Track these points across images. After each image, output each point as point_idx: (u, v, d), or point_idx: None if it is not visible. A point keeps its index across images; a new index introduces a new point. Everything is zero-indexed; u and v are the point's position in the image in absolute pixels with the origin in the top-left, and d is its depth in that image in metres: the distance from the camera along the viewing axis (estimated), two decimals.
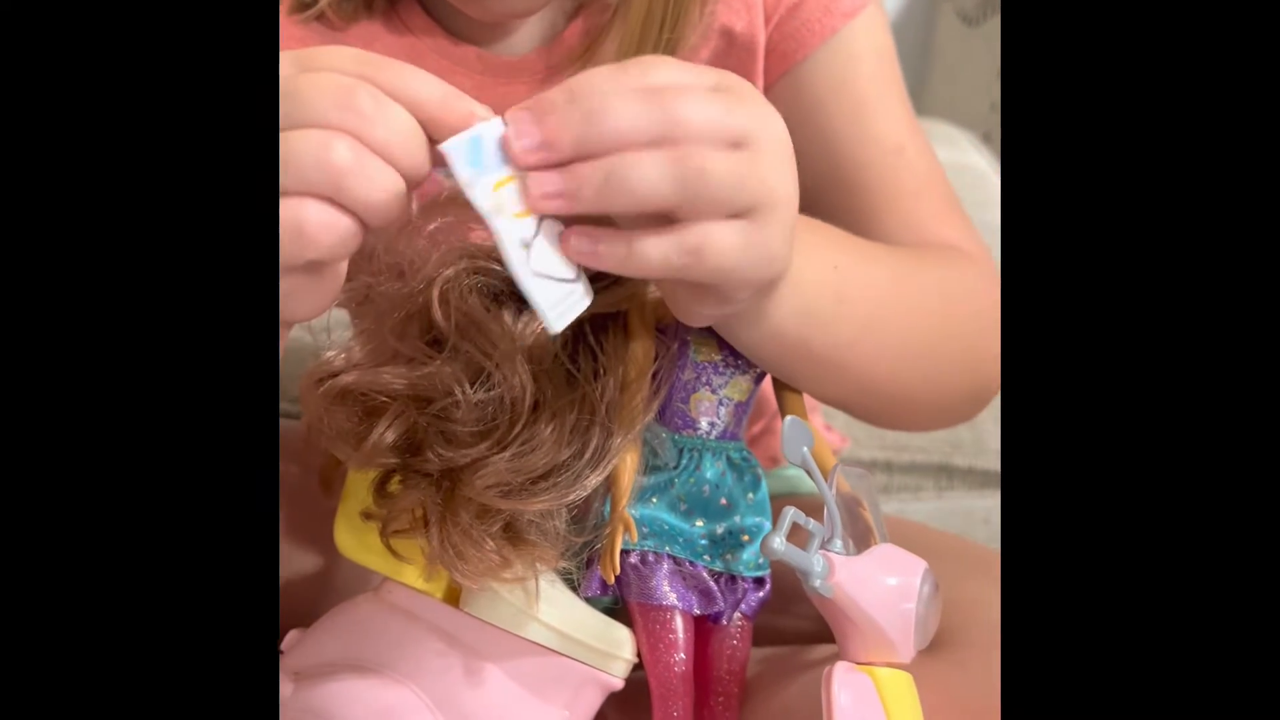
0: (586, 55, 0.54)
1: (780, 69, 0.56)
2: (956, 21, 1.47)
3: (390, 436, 0.44)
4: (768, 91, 0.57)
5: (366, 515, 0.47)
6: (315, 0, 0.55)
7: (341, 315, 0.51)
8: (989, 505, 0.88)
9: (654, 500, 0.48)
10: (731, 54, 0.56)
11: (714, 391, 0.48)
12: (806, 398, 0.50)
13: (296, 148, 0.35)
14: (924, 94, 1.57)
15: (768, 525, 0.48)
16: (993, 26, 1.41)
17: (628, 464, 0.47)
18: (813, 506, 0.62)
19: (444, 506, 0.44)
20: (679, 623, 0.47)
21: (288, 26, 0.57)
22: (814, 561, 0.41)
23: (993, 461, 0.89)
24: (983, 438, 0.89)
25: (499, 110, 0.54)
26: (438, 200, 0.48)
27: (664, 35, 0.52)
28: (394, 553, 0.47)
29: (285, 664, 0.50)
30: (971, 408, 0.55)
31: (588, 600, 0.47)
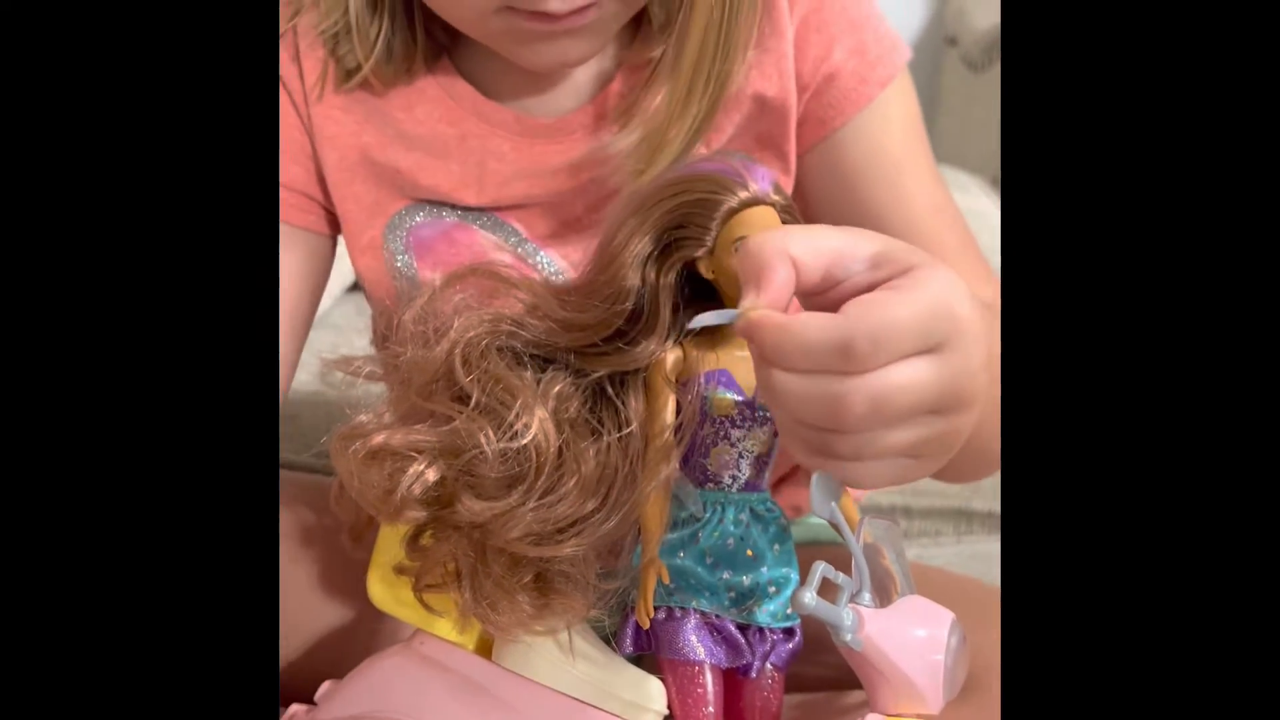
0: (629, 114, 0.55)
1: (817, 136, 0.58)
2: (962, 68, 1.49)
3: (418, 489, 0.45)
4: (804, 157, 0.59)
5: (399, 569, 0.47)
6: (358, 69, 0.57)
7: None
8: None
9: (681, 555, 0.49)
10: (763, 118, 0.58)
11: (733, 445, 0.49)
12: None
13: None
14: (932, 140, 1.58)
15: (794, 576, 0.49)
16: (998, 72, 1.42)
17: (655, 512, 0.48)
18: (835, 554, 0.63)
19: (476, 558, 0.45)
20: (708, 676, 0.48)
21: (331, 108, 0.58)
22: (844, 616, 0.41)
23: None
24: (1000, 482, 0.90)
25: (533, 168, 0.56)
26: (459, 272, 0.50)
27: (709, 95, 0.53)
28: (426, 605, 0.48)
29: (318, 716, 0.50)
30: None
31: (625, 658, 0.48)
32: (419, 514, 0.46)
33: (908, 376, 0.37)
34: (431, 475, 0.45)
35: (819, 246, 0.39)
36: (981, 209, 1.17)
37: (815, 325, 0.37)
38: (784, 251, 0.38)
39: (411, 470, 0.45)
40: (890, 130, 0.58)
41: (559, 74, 0.58)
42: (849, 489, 0.48)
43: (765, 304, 0.38)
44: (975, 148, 1.44)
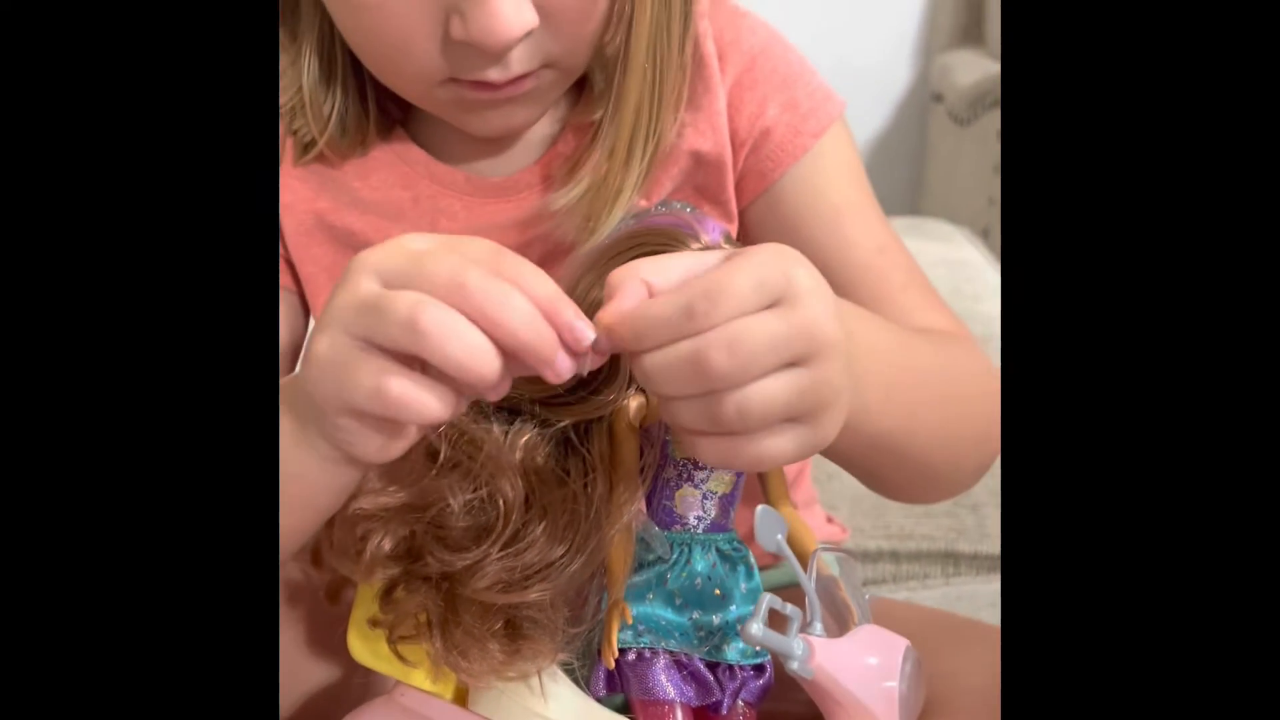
0: (573, 172, 0.57)
1: (757, 189, 0.61)
2: (948, 122, 1.51)
3: (388, 545, 0.46)
4: (746, 210, 0.61)
5: (373, 623, 0.49)
6: (314, 143, 0.59)
7: None
8: (996, 590, 0.88)
9: (650, 597, 0.50)
10: (700, 172, 0.60)
11: (696, 486, 0.50)
12: (802, 489, 0.52)
13: (391, 305, 0.40)
14: (921, 193, 1.61)
15: None
16: (982, 126, 1.45)
17: (620, 555, 0.49)
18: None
19: (446, 609, 0.46)
20: (679, 715, 0.49)
21: (289, 178, 0.61)
22: (794, 645, 0.42)
23: (997, 546, 0.89)
24: (985, 523, 0.90)
25: (483, 225, 0.57)
26: None
27: (647, 153, 0.56)
28: (401, 657, 0.49)
29: None
30: (976, 479, 0.58)
31: (598, 700, 0.49)
32: (390, 570, 0.47)
33: (755, 324, 0.39)
34: (399, 533, 0.47)
35: (668, 266, 0.42)
36: (968, 258, 1.19)
37: (658, 300, 0.40)
38: (634, 275, 0.41)
39: (379, 531, 0.47)
40: (827, 178, 0.60)
41: (507, 138, 0.60)
42: (805, 525, 0.50)
43: (607, 314, 0.41)
44: (962, 200, 1.46)
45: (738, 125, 0.60)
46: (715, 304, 0.39)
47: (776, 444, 0.41)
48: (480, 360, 0.40)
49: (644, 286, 0.41)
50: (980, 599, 0.88)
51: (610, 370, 0.49)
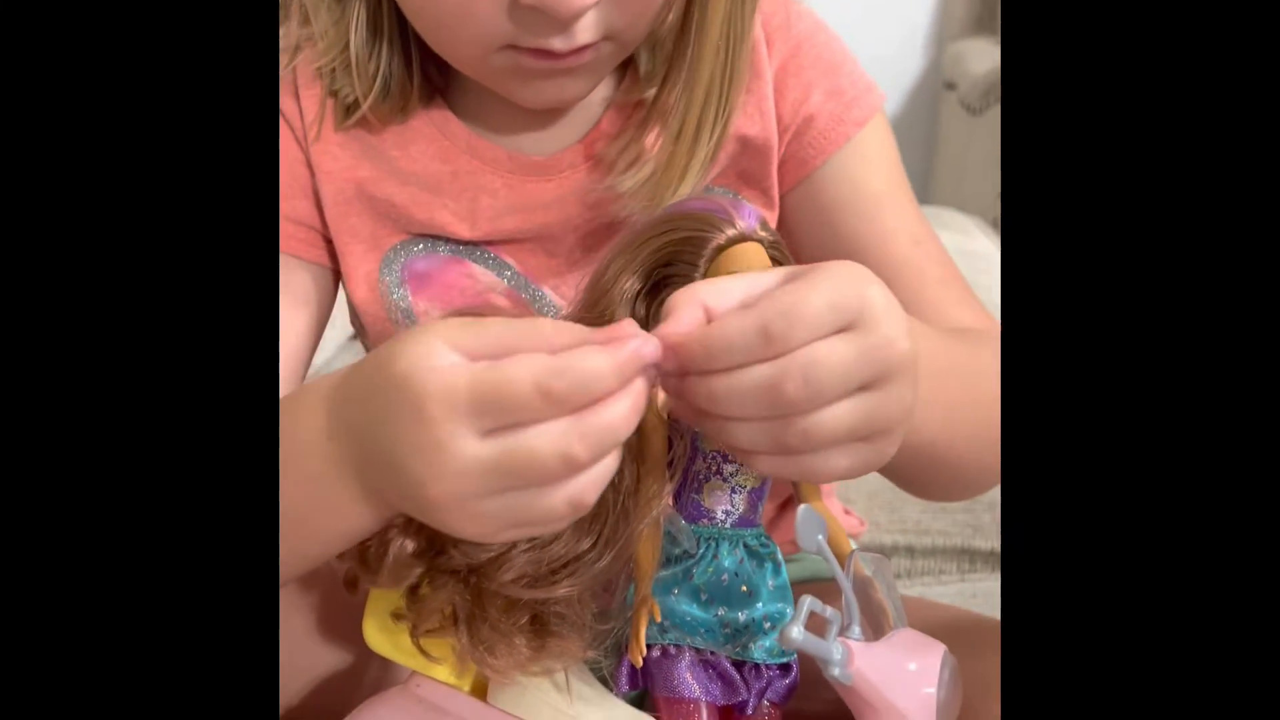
0: (630, 152, 0.57)
1: (798, 176, 0.60)
2: (960, 112, 1.50)
3: (410, 546, 0.45)
4: (786, 196, 0.61)
5: (397, 617, 0.48)
6: (357, 106, 0.58)
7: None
8: None
9: (675, 592, 0.49)
10: (746, 157, 0.59)
11: (725, 480, 0.49)
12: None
13: (530, 455, 0.37)
14: (932, 183, 1.60)
15: (790, 611, 0.49)
16: (995, 115, 1.44)
17: (648, 550, 0.48)
18: (835, 590, 0.63)
19: (473, 603, 0.45)
20: (703, 714, 0.48)
21: (330, 144, 0.60)
22: (833, 650, 0.41)
23: None
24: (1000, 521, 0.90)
25: (524, 204, 0.56)
26: (451, 314, 0.51)
27: (715, 134, 0.55)
28: (424, 652, 0.48)
29: None
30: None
31: (621, 696, 0.48)
32: (415, 569, 0.46)
33: (829, 350, 0.39)
34: (422, 533, 0.45)
35: (727, 288, 0.41)
36: (980, 249, 1.18)
37: (730, 320, 0.39)
38: (694, 298, 0.41)
39: (400, 534, 0.45)
40: (869, 168, 0.60)
41: (550, 114, 0.59)
42: (840, 525, 0.49)
43: (671, 334, 0.40)
44: (974, 189, 1.45)
45: (782, 110, 0.59)
46: (791, 327, 0.38)
47: (837, 462, 0.41)
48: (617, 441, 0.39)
49: (702, 309, 0.40)
50: (996, 596, 0.87)
51: None
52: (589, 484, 0.38)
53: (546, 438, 0.37)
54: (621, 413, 0.38)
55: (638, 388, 0.38)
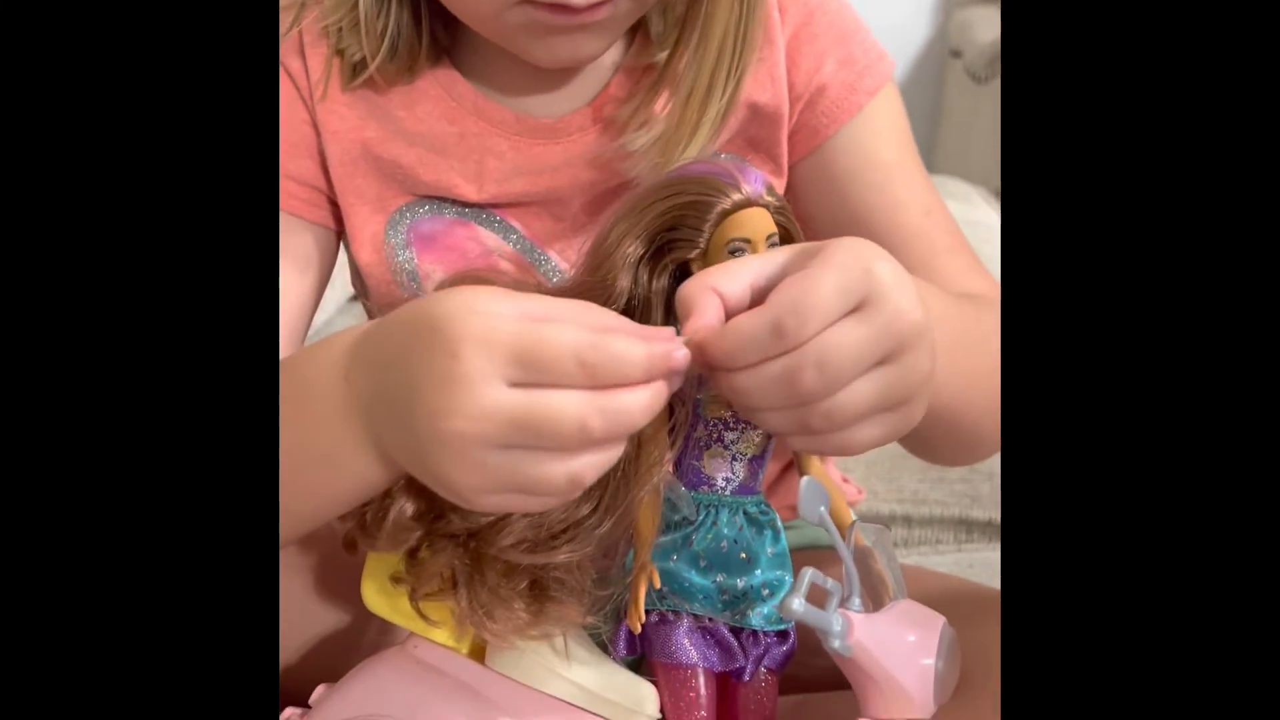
0: (640, 114, 0.56)
1: (809, 145, 0.60)
2: (966, 80, 1.49)
3: (410, 509, 0.45)
4: (796, 166, 0.61)
5: (396, 580, 0.48)
6: (364, 65, 0.57)
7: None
8: None
9: (674, 558, 0.49)
10: (755, 124, 0.59)
11: (726, 447, 0.49)
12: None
13: (551, 413, 0.38)
14: (936, 151, 1.59)
15: (788, 579, 0.49)
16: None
17: (648, 516, 0.48)
18: (833, 558, 0.63)
19: (472, 567, 0.45)
20: (700, 680, 0.48)
21: (336, 104, 0.59)
22: (833, 621, 0.41)
23: None
24: (1000, 491, 0.90)
25: (530, 166, 0.55)
26: (453, 277, 0.50)
27: (726, 97, 0.55)
28: (423, 615, 0.48)
29: (312, 719, 0.50)
30: None
31: (618, 661, 0.48)
32: (414, 532, 0.46)
33: (841, 335, 0.40)
34: (421, 496, 0.45)
35: (737, 272, 0.43)
36: (983, 219, 1.17)
37: (745, 320, 0.41)
38: (706, 286, 0.42)
39: (400, 497, 0.45)
40: (879, 137, 0.60)
41: (558, 76, 0.59)
42: (842, 496, 0.48)
43: (698, 331, 0.41)
44: (978, 158, 1.44)
45: (795, 79, 0.59)
46: (803, 320, 0.39)
47: (867, 434, 0.42)
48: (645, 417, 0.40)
49: (716, 296, 0.41)
50: (993, 566, 0.88)
51: (640, 323, 0.48)
52: (591, 464, 0.39)
53: (570, 402, 0.38)
54: (641, 402, 0.38)
55: (660, 387, 0.39)
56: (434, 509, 0.46)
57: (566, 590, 0.46)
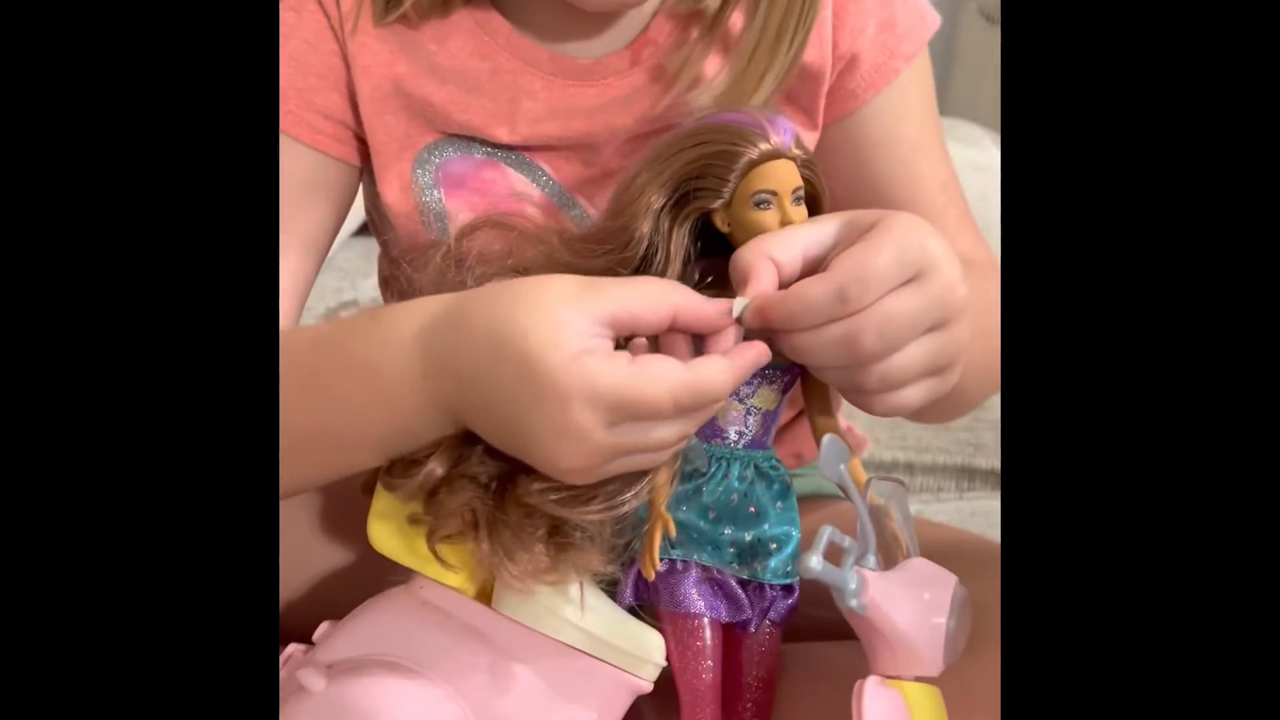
0: (686, 72, 0.55)
1: (843, 110, 0.59)
2: (979, 20, 1.46)
3: (440, 470, 0.46)
4: (829, 128, 0.60)
5: (413, 521, 0.47)
6: (399, 3, 0.56)
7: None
8: None
9: (684, 509, 0.48)
10: (798, 81, 0.57)
11: (741, 401, 0.49)
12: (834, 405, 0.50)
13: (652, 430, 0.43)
14: (946, 93, 1.56)
15: (796, 534, 0.49)
16: None
17: (665, 467, 0.47)
18: (838, 508, 0.63)
19: (494, 508, 0.45)
20: (707, 630, 0.48)
21: (368, 37, 0.57)
22: (849, 579, 0.41)
23: None
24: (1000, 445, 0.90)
25: (565, 108, 0.56)
26: (473, 223, 0.49)
27: (793, 51, 0.55)
28: (440, 558, 0.48)
29: (317, 656, 0.50)
30: None
31: (622, 606, 0.48)
32: (439, 475, 0.47)
33: (900, 302, 0.43)
34: (452, 455, 0.47)
35: (790, 241, 0.45)
36: (992, 164, 1.16)
37: (811, 284, 0.43)
38: (763, 253, 0.45)
39: (430, 459, 0.47)
40: (909, 110, 0.60)
41: (598, 20, 0.57)
42: (855, 449, 0.48)
43: (758, 297, 0.44)
44: (988, 100, 1.42)
45: (839, 38, 0.57)
46: (866, 288, 0.42)
47: (912, 395, 0.45)
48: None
49: (772, 264, 0.44)
50: (995, 515, 0.88)
51: (660, 272, 0.47)
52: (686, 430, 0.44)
53: (668, 431, 0.43)
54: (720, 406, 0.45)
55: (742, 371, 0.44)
56: (458, 454, 0.46)
57: (586, 536, 0.46)
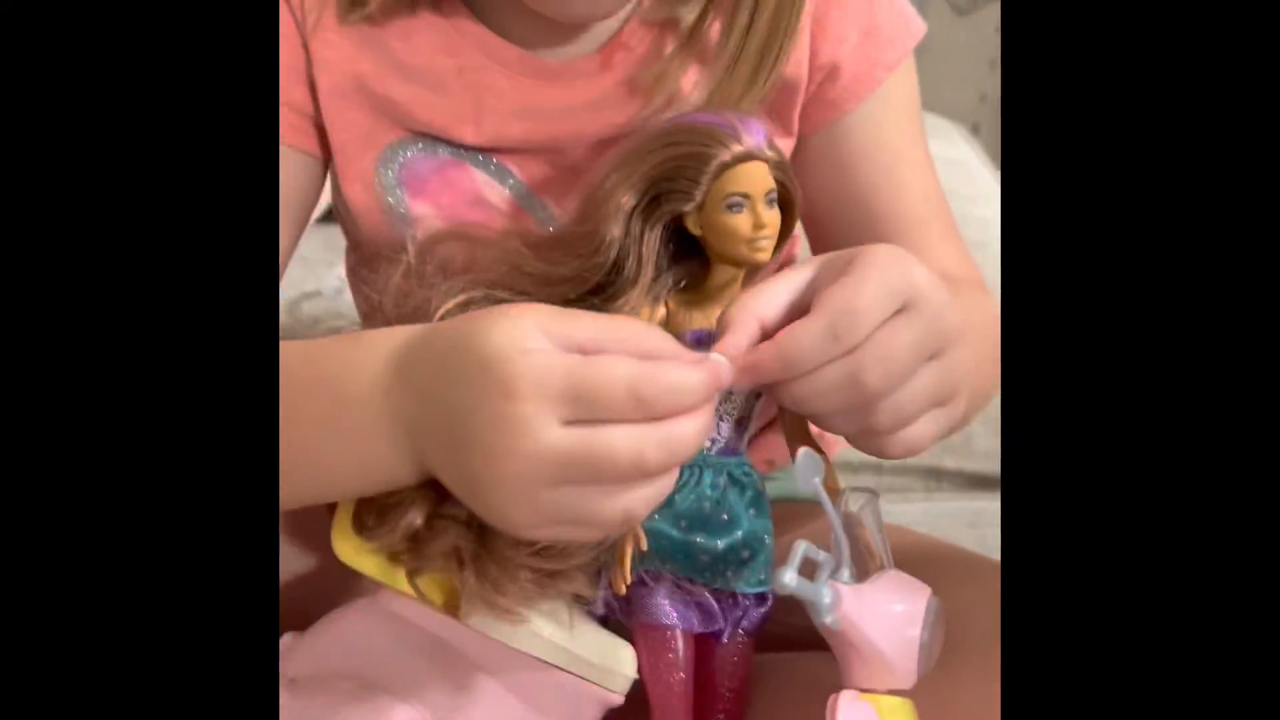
0: (662, 86, 0.54)
1: (825, 119, 0.58)
2: (947, 10, 1.46)
3: (419, 520, 0.45)
4: (809, 138, 0.59)
5: (393, 558, 0.46)
6: (363, 3, 0.55)
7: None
8: (976, 507, 0.89)
9: (654, 517, 0.48)
10: (776, 94, 0.56)
11: (714, 407, 0.48)
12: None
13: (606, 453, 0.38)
14: None
15: (769, 540, 0.48)
16: (983, 16, 1.40)
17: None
18: (811, 512, 0.62)
19: (477, 544, 0.44)
20: (679, 641, 0.48)
21: (330, 33, 0.56)
22: (823, 594, 0.41)
23: (980, 463, 0.89)
24: (971, 440, 0.90)
25: (532, 109, 0.54)
26: (434, 237, 0.48)
27: (776, 66, 0.53)
28: (419, 592, 0.47)
29: (281, 669, 0.49)
30: None
31: (598, 621, 0.48)
32: (420, 519, 0.45)
33: (897, 333, 0.42)
34: (428, 505, 0.45)
35: (773, 293, 0.44)
36: (960, 157, 1.16)
37: (798, 327, 0.42)
38: (748, 311, 0.43)
39: (406, 508, 0.45)
40: (892, 118, 0.59)
41: (570, 29, 0.56)
42: (828, 451, 0.48)
43: (730, 350, 0.42)
44: (954, 94, 1.42)
45: (819, 47, 0.56)
46: (856, 321, 0.41)
47: (925, 429, 0.44)
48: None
49: (757, 322, 0.43)
50: (961, 516, 0.88)
51: (631, 276, 0.46)
52: (645, 497, 0.39)
53: (624, 438, 0.38)
54: (695, 429, 0.39)
55: (710, 410, 0.40)
56: (439, 507, 0.45)
57: (569, 558, 0.45)
